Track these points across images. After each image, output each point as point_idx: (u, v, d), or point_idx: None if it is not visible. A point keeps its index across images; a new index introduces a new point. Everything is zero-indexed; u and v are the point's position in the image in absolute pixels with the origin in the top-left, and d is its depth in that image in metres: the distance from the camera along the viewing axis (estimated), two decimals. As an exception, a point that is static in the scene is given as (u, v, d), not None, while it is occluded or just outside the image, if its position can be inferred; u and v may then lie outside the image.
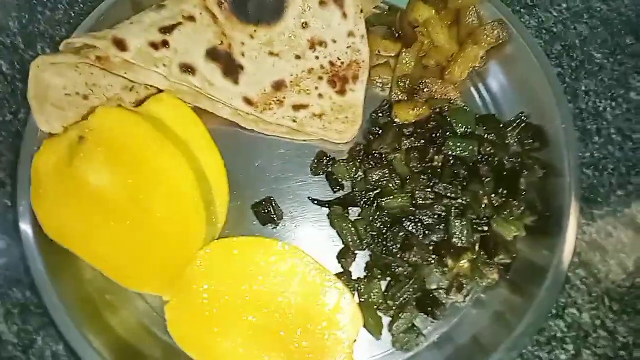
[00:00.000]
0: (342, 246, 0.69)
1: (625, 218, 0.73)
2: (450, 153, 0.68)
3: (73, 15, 0.83)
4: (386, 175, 0.69)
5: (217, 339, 0.58)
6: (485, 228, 0.66)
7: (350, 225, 0.67)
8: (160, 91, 0.71)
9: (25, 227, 0.64)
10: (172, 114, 0.66)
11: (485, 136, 0.70)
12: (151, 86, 0.73)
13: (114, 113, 0.63)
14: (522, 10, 0.84)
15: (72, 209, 0.62)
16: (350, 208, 0.71)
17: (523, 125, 0.72)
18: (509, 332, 0.62)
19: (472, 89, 0.78)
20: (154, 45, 0.68)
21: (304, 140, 0.76)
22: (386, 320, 0.65)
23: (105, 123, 0.62)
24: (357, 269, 0.68)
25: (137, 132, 0.62)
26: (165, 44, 0.69)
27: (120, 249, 0.61)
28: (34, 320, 0.68)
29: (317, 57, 0.76)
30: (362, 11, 0.76)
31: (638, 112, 0.78)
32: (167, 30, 0.70)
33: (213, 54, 0.72)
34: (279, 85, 0.75)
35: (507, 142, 0.71)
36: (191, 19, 0.72)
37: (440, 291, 0.65)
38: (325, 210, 0.71)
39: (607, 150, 0.76)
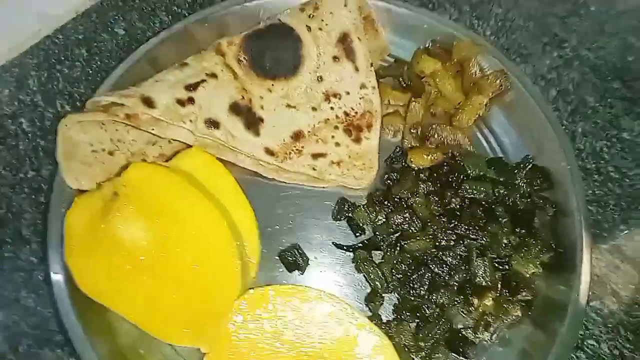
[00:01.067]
0: (368, 290, 0.71)
1: (630, 251, 0.77)
2: (466, 195, 0.72)
3: (90, 72, 0.86)
4: (407, 219, 0.72)
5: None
6: (506, 266, 0.69)
7: (376, 269, 0.70)
8: (185, 144, 0.74)
9: (58, 284, 0.64)
10: (202, 167, 0.68)
11: (497, 178, 0.74)
12: (174, 140, 0.76)
13: (147, 168, 0.65)
14: (517, 59, 0.90)
15: (107, 264, 0.62)
16: (373, 251, 0.73)
17: (530, 167, 0.76)
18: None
19: (478, 134, 0.83)
20: (181, 102, 0.71)
21: (323, 187, 0.79)
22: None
23: (138, 178, 0.64)
24: (384, 312, 0.70)
25: (170, 186, 0.64)
26: (190, 100, 0.72)
27: (157, 302, 0.62)
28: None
29: (332, 108, 0.80)
30: (372, 64, 0.81)
31: (631, 150, 0.84)
32: (192, 87, 0.73)
33: (235, 108, 0.75)
34: (297, 136, 0.78)
35: (517, 183, 0.75)
36: (213, 75, 0.75)
37: (468, 330, 0.67)
38: (349, 255, 0.74)
39: (607, 187, 0.81)
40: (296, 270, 0.72)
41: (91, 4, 0.91)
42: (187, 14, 0.92)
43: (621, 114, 0.87)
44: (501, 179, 0.74)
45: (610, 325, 0.73)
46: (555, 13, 0.96)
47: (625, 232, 0.78)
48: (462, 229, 0.69)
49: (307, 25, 0.79)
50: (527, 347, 0.68)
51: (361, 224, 0.75)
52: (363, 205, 0.75)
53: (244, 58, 0.78)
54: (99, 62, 0.87)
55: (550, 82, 0.89)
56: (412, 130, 0.79)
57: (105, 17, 0.90)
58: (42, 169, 0.78)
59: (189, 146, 0.74)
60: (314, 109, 0.80)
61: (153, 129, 0.70)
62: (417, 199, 0.72)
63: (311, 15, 0.80)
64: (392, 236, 0.72)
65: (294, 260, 0.72)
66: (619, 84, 0.89)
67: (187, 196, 0.63)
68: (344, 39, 0.80)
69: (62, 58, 0.87)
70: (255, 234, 0.68)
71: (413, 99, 0.81)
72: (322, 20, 0.80)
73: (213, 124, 0.73)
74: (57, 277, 0.64)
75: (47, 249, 0.66)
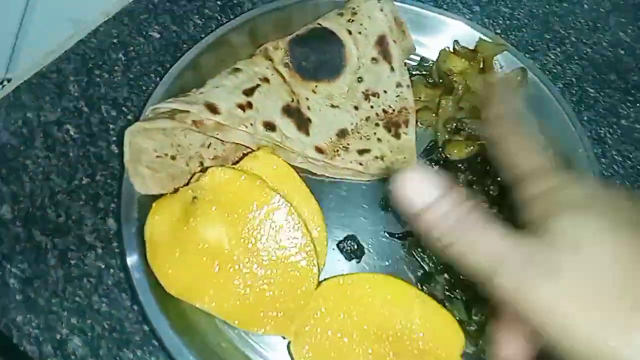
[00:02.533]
0: (419, 274, 0.78)
1: None
2: (503, 183, 0.80)
3: (131, 76, 0.87)
4: (453, 207, 0.79)
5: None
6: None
7: (429, 252, 0.77)
8: (241, 146, 0.78)
9: (143, 289, 0.67)
10: (269, 169, 0.72)
11: (525, 166, 0.83)
12: (226, 142, 0.79)
13: (222, 172, 0.68)
14: (526, 55, 0.99)
15: (191, 264, 0.66)
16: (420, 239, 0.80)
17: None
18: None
19: (501, 125, 0.91)
20: (241, 107, 0.75)
21: (368, 180, 0.85)
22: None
23: (216, 181, 0.67)
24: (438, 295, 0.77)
25: (246, 187, 0.68)
26: (249, 105, 0.76)
27: (242, 297, 0.66)
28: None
29: (372, 107, 0.86)
30: (405, 64, 0.88)
31: (629, 135, 0.95)
32: (249, 92, 0.77)
33: (287, 110, 0.80)
34: (342, 133, 0.84)
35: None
36: (266, 80, 0.79)
37: (513, 302, 0.75)
38: (399, 243, 0.80)
39: (613, 169, 0.92)
40: (354, 259, 0.78)
41: (122, 6, 0.91)
42: (218, 17, 0.94)
43: (618, 103, 0.98)
44: (529, 167, 0.83)
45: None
46: (554, 11, 1.05)
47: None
48: (504, 214, 0.77)
49: (347, 29, 0.84)
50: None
51: (408, 213, 0.81)
52: (408, 196, 0.82)
53: (290, 62, 0.82)
54: (138, 66, 0.88)
55: (557, 75, 0.99)
56: (446, 125, 0.86)
57: (138, 21, 0.91)
58: (96, 175, 0.80)
59: (245, 148, 0.78)
60: (355, 108, 0.85)
61: (218, 134, 0.74)
62: (460, 187, 0.80)
63: (350, 20, 0.85)
64: (438, 223, 0.79)
65: (351, 250, 0.78)
66: (615, 76, 1.00)
67: (262, 194, 0.67)
68: (381, 42, 0.86)
69: (100, 63, 0.87)
70: (323, 227, 0.73)
71: (444, 96, 0.88)
72: (361, 24, 0.85)
73: (270, 126, 0.77)
74: (141, 282, 0.67)
75: (124, 254, 0.68)
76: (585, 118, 0.96)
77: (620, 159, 0.93)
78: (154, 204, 0.68)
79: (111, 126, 0.83)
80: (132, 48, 0.89)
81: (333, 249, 0.79)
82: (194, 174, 0.73)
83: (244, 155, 0.77)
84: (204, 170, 0.69)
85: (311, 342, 0.66)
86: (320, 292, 0.67)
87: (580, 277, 0.35)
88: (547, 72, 0.99)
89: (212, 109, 0.73)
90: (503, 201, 0.79)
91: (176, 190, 0.70)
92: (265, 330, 0.67)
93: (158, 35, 0.91)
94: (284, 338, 0.68)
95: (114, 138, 0.83)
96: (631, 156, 0.93)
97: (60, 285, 0.72)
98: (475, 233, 0.38)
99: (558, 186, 0.41)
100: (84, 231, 0.76)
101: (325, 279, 0.70)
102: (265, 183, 0.69)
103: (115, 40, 0.89)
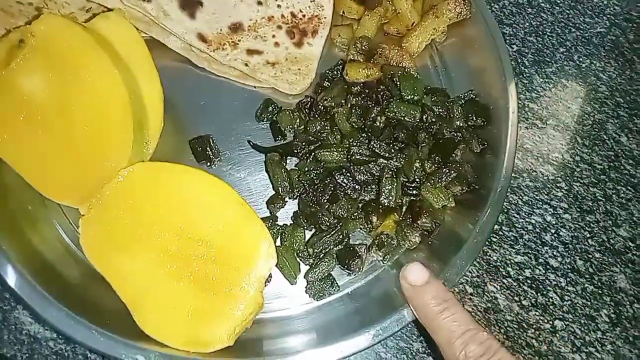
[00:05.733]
0: (273, 193, 0.69)
1: (572, 69, 0.82)
2: (392, 115, 0.68)
3: None
4: (326, 128, 0.69)
5: (127, 259, 0.58)
6: (415, 192, 0.66)
7: (283, 172, 0.67)
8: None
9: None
10: (117, 32, 0.65)
11: (432, 107, 0.71)
12: (107, 9, 0.73)
13: (58, 21, 0.61)
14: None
15: (2, 112, 0.60)
16: (288, 159, 0.71)
17: (470, 101, 0.73)
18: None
19: (429, 64, 0.79)
20: (112, -39, 0.68)
21: (254, 87, 0.76)
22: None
23: (48, 29, 0.61)
24: (285, 218, 0.68)
25: (77, 42, 0.61)
26: (123, -39, 0.68)
27: (45, 157, 0.60)
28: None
29: (279, 6, 0.76)
30: (330, -30, 0.76)
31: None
32: (128, -52, 0.69)
33: (173, -16, 0.72)
34: (236, 28, 0.75)
35: (452, 115, 0.71)
36: (157, -57, 0.71)
37: (362, 247, 0.65)
38: (263, 158, 0.71)
39: (541, 17, 0.85)
40: (205, 162, 0.70)
41: None
42: None
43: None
44: (435, 109, 0.71)
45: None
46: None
47: (565, 53, 0.83)
48: (380, 147, 0.66)
49: None
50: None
51: (283, 129, 0.72)
52: (288, 110, 0.72)
53: None
54: None
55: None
56: (357, 43, 0.75)
57: None
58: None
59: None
60: (259, 3, 0.75)
61: (77, -15, 0.67)
62: (339, 109, 0.69)
63: None
64: (310, 145, 0.70)
65: (203, 150, 0.70)
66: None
67: (92, 54, 0.60)
68: None
69: None
70: (160, 107, 0.66)
71: (367, 12, 0.76)
72: None
73: (145, -5, 0.69)
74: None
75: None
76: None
77: (548, 6, 0.87)
78: (-20, 42, 0.63)
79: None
80: None
81: (187, 146, 0.71)
82: (32, 18, 0.66)
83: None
84: (38, 16, 0.62)
85: (102, 223, 0.59)
86: (128, 172, 0.60)
87: None
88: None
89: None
90: (384, 133, 0.68)
91: (7, 32, 0.64)
92: (62, 198, 0.61)
93: None
94: (80, 212, 0.61)
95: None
96: (558, 2, 0.87)
97: None
98: None
99: None
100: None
101: (143, 162, 0.63)
102: (104, 45, 0.62)
103: None
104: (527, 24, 0.84)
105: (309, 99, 0.73)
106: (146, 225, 0.58)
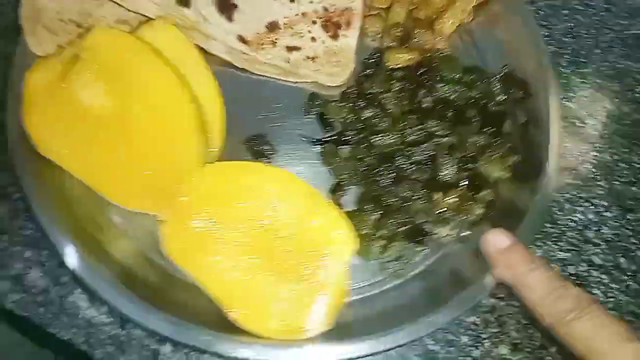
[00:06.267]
0: (333, 183, 0.70)
1: (609, 70, 0.83)
2: (439, 95, 0.70)
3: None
4: (378, 114, 0.71)
5: (210, 256, 0.58)
6: (471, 166, 0.68)
7: (342, 161, 0.69)
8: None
9: (14, 145, 0.62)
10: (165, 39, 0.66)
11: (472, 83, 0.73)
12: (146, 20, 0.73)
13: (110, 33, 0.62)
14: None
15: (65, 126, 0.61)
16: (340, 147, 0.72)
17: (507, 75, 0.75)
18: (487, 268, 0.64)
19: (460, 44, 0.81)
20: (152, -27, 0.68)
21: (295, 82, 0.77)
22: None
23: (101, 42, 0.61)
24: (346, 204, 0.70)
25: (133, 52, 0.62)
26: (162, -28, 0.69)
27: (114, 167, 0.61)
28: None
29: (311, 2, 0.77)
30: (357, -39, 0.78)
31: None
32: (165, -41, 0.70)
33: (208, -12, 0.73)
34: (272, 26, 0.76)
35: (493, 90, 0.74)
36: (189, -49, 0.72)
37: (428, 224, 0.67)
38: (316, 150, 0.73)
39: (575, 19, 0.86)
40: (262, 159, 0.71)
41: None
42: None
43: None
44: (476, 84, 0.73)
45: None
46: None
47: (599, 54, 0.84)
48: (432, 127, 0.68)
49: None
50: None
51: (331, 120, 0.74)
52: (334, 101, 0.74)
53: (220, -62, 0.75)
54: None
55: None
56: (391, 31, 0.77)
57: None
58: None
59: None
60: (292, 0, 0.77)
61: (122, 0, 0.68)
62: (388, 94, 0.71)
63: None
64: (361, 133, 0.71)
65: (259, 149, 0.71)
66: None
67: (148, 63, 0.61)
68: None
69: None
70: (220, 107, 0.67)
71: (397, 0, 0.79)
72: None
73: (184, 1, 0.70)
74: (13, 137, 0.63)
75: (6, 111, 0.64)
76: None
77: (582, 8, 0.87)
78: (37, 60, 0.63)
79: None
80: None
81: (243, 147, 0.72)
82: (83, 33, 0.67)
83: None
84: (90, 29, 0.63)
85: (183, 226, 0.60)
86: (202, 174, 0.61)
87: None
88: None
89: (119, -29, 0.67)
90: (433, 113, 0.70)
91: (60, 49, 0.65)
92: (139, 206, 0.62)
93: None
94: (157, 218, 0.62)
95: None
96: (592, 4, 0.87)
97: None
98: None
99: None
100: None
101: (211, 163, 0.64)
102: (156, 51, 0.62)
103: None
104: (562, 25, 0.86)
105: (353, 89, 0.75)
106: (225, 223, 0.59)
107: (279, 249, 0.59)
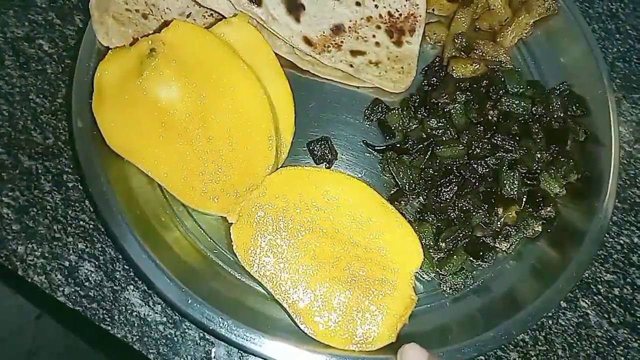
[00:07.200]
0: (392, 191, 0.70)
1: None
2: (505, 109, 0.71)
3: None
4: (443, 124, 0.70)
5: (281, 264, 0.58)
6: (534, 182, 0.69)
7: (406, 169, 0.69)
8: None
9: (82, 139, 0.61)
10: (241, 37, 0.64)
11: (535, 98, 0.73)
12: (210, 15, 0.72)
13: (190, 28, 0.61)
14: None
15: (138, 121, 0.60)
16: (402, 155, 0.72)
17: (566, 92, 0.76)
18: (543, 288, 0.65)
19: (518, 56, 0.81)
20: (226, -30, 0.67)
21: (357, 87, 0.77)
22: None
23: (179, 37, 0.60)
24: (407, 214, 0.70)
25: (212, 50, 0.61)
26: (235, -30, 0.68)
27: (187, 167, 0.60)
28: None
29: (377, 6, 0.77)
30: (422, -32, 0.78)
31: (640, 10, 0.89)
32: (238, -44, 0.68)
33: (278, -12, 0.72)
34: (337, 29, 0.75)
35: (552, 107, 0.74)
36: (262, -51, 0.71)
37: (488, 238, 0.67)
38: (375, 157, 0.73)
39: (628, 44, 0.87)
40: (324, 163, 0.71)
41: None
42: None
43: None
44: (538, 99, 0.73)
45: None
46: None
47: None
48: (498, 140, 0.68)
49: None
50: (537, 264, 0.68)
51: (393, 127, 0.73)
52: (397, 108, 0.74)
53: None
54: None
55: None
56: (455, 40, 0.77)
57: None
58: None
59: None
60: (357, 4, 0.76)
61: (195, -5, 0.67)
62: (455, 105, 0.71)
63: None
64: (424, 142, 0.71)
65: (322, 153, 0.70)
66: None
67: (229, 62, 0.60)
68: (397, -64, 0.76)
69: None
70: (292, 111, 0.66)
71: (460, 8, 0.78)
72: None
73: (255, 0, 0.69)
74: (82, 129, 0.61)
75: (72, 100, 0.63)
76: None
77: (635, 34, 0.87)
78: (110, 51, 0.62)
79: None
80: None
81: (303, 149, 0.71)
82: (160, 26, 0.66)
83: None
84: (167, 23, 0.62)
85: (254, 230, 0.59)
86: (275, 179, 0.60)
87: None
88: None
89: (193, -34, 0.65)
90: (499, 127, 0.70)
91: (135, 41, 0.63)
92: (206, 206, 0.61)
93: None
94: (226, 220, 0.61)
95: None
96: None
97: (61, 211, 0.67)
98: None
99: None
100: (70, 156, 0.69)
101: (283, 167, 0.63)
102: (234, 50, 0.61)
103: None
104: (615, 49, 0.87)
105: (415, 97, 0.75)
106: (296, 230, 0.59)
107: (351, 258, 0.59)
